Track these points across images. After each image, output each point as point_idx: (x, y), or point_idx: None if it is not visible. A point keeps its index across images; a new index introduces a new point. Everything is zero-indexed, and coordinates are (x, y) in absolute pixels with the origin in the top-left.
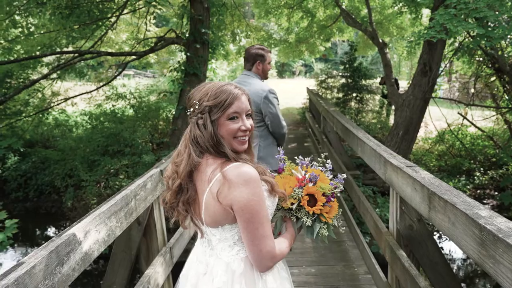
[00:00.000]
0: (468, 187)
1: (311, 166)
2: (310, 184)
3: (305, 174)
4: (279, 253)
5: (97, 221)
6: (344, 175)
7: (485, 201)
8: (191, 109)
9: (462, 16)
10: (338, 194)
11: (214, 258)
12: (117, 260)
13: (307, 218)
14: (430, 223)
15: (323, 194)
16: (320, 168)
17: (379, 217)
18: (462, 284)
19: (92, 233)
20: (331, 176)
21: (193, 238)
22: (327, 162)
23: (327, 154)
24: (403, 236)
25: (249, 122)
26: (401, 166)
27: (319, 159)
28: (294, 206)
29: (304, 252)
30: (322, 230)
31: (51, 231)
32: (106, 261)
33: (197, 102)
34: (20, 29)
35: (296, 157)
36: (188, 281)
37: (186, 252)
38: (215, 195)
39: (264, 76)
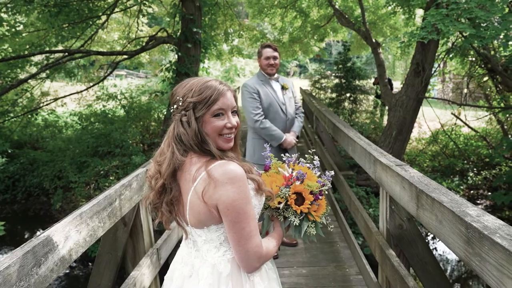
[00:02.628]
0: (462, 187)
1: (299, 163)
2: (297, 182)
3: (292, 172)
4: (266, 253)
5: (77, 221)
6: (332, 172)
7: (478, 201)
8: (175, 106)
9: (454, 16)
10: (327, 192)
11: (200, 260)
12: (102, 261)
13: (295, 217)
14: (420, 223)
15: (311, 192)
16: (308, 165)
17: (372, 218)
18: (456, 285)
19: (72, 233)
20: (318, 173)
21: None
22: (314, 158)
23: (314, 150)
24: (393, 236)
25: (235, 119)
26: (391, 165)
27: (306, 155)
28: (281, 206)
29: (295, 253)
30: (310, 229)
31: (39, 233)
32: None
33: (180, 99)
34: (6, 28)
35: (282, 155)
36: (173, 283)
37: (175, 253)
38: (200, 194)
39: (264, 70)
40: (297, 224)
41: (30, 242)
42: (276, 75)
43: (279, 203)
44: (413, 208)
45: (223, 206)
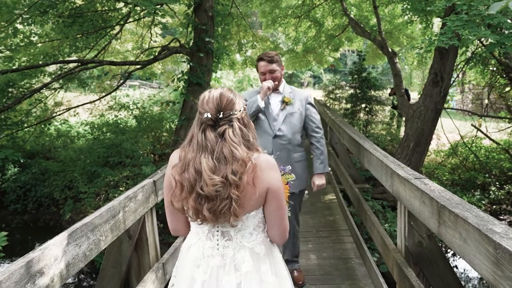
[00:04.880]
0: (483, 202)
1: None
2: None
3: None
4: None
5: (77, 234)
6: (289, 166)
7: (501, 217)
8: (231, 112)
9: (475, 23)
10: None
11: (232, 248)
12: (106, 276)
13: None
14: (441, 241)
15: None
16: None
17: (388, 233)
18: None
19: (71, 247)
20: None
21: None
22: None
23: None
24: (412, 254)
25: None
26: (409, 178)
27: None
28: None
29: (308, 269)
30: None
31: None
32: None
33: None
34: (20, 38)
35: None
36: (198, 280)
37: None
38: (251, 182)
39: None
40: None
41: (25, 257)
42: (281, 87)
43: None
44: (434, 224)
45: (274, 189)
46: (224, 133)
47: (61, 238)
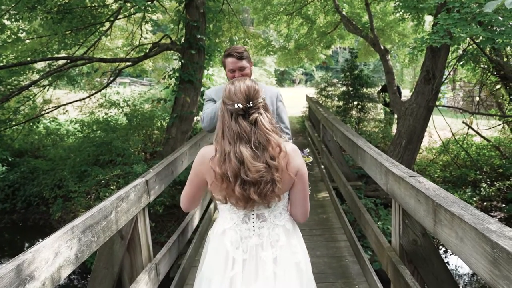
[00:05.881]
0: (474, 199)
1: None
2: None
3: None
4: None
5: (68, 236)
6: (307, 149)
7: (492, 214)
8: (258, 100)
9: (466, 21)
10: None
11: (268, 227)
12: (98, 277)
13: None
14: (436, 238)
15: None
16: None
17: (382, 231)
18: None
19: (62, 249)
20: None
21: (182, 254)
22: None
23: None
24: (407, 252)
25: None
26: (404, 176)
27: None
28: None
29: None
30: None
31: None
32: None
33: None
34: (8, 34)
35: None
36: (238, 260)
37: (175, 268)
38: (285, 166)
39: None
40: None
41: (15, 259)
42: None
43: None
44: (429, 223)
45: (301, 172)
46: (256, 121)
47: (52, 240)
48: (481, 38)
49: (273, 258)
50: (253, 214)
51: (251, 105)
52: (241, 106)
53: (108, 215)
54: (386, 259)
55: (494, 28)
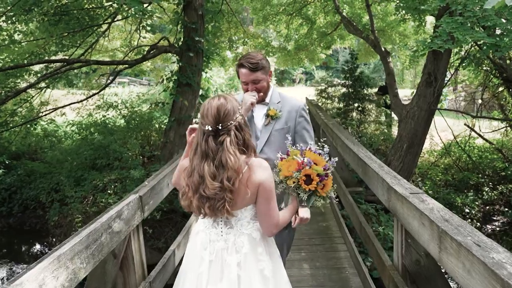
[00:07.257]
0: (477, 203)
1: (310, 150)
2: (307, 167)
3: (303, 159)
4: (281, 222)
5: (55, 265)
6: (336, 159)
7: (494, 218)
8: (228, 123)
9: (469, 25)
10: (330, 175)
11: (234, 234)
12: None
13: (304, 193)
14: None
15: (318, 175)
16: (320, 151)
17: (381, 236)
18: None
19: (47, 280)
20: (327, 158)
21: (177, 268)
22: (325, 146)
23: (325, 139)
24: (410, 272)
25: None
26: (407, 196)
27: (318, 144)
28: (293, 185)
29: (301, 280)
30: (317, 202)
31: (36, 248)
32: None
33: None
34: (4, 36)
35: (297, 145)
36: (205, 260)
37: (170, 285)
38: (245, 183)
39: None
40: (305, 198)
41: None
42: (268, 95)
43: (293, 182)
44: (434, 249)
45: (264, 186)
46: (223, 142)
47: (36, 272)
48: (483, 41)
49: (237, 262)
50: (221, 221)
51: (220, 127)
52: (210, 128)
53: (99, 238)
54: (388, 278)
55: (498, 30)
